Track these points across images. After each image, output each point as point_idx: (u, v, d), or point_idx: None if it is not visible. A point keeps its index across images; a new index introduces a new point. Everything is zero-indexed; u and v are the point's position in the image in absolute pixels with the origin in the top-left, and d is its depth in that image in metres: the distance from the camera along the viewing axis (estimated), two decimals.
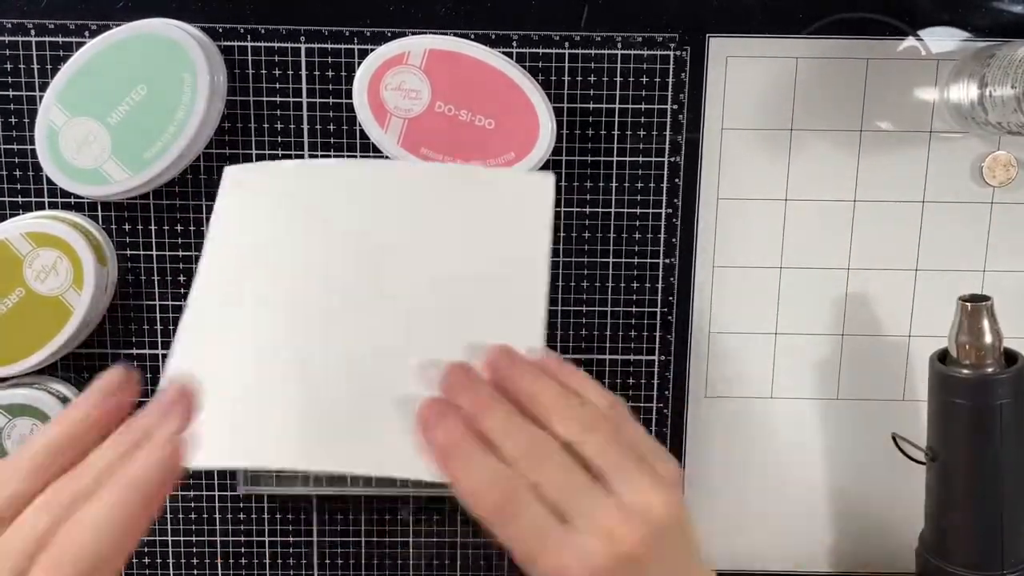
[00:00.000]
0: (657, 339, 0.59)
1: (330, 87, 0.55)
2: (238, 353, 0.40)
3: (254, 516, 0.60)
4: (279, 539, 0.60)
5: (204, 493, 0.59)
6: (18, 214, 0.56)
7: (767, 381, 0.59)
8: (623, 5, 0.55)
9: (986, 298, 0.51)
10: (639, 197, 0.57)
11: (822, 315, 0.59)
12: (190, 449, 0.36)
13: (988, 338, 0.51)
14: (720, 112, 0.56)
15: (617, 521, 0.35)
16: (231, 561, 0.60)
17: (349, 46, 0.55)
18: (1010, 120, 0.50)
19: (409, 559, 0.61)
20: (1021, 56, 0.48)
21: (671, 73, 0.56)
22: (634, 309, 0.58)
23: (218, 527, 0.60)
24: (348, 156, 0.56)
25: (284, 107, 0.56)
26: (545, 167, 0.55)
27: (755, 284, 0.58)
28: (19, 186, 0.56)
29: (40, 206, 0.56)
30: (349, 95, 0.55)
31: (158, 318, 0.58)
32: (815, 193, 0.57)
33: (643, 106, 0.56)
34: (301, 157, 0.56)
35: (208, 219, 0.56)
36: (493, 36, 0.55)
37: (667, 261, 0.58)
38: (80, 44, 0.54)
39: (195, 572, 0.60)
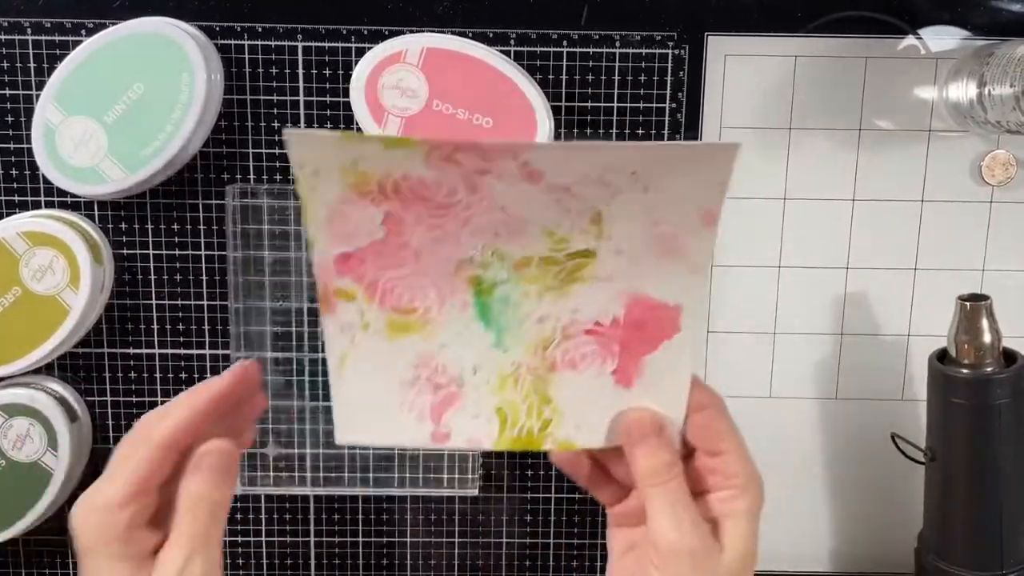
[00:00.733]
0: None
1: (327, 86, 0.55)
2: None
3: (251, 516, 0.60)
4: (276, 539, 0.60)
5: None
6: (14, 213, 0.56)
7: (766, 381, 0.59)
8: (621, 4, 0.55)
9: (985, 297, 0.51)
10: None
11: (821, 314, 0.59)
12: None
13: (987, 337, 0.51)
14: (719, 111, 0.56)
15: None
16: (229, 561, 0.60)
17: (346, 44, 0.55)
18: (1009, 119, 0.50)
19: (408, 559, 0.61)
20: (1020, 55, 0.48)
21: (670, 72, 0.56)
22: None
23: None
24: None
25: (281, 106, 0.55)
26: None
27: (754, 283, 0.58)
28: (15, 185, 0.56)
29: (36, 205, 0.56)
30: (346, 94, 0.55)
31: (155, 317, 0.57)
32: (814, 192, 0.57)
33: (641, 105, 0.56)
34: None
35: (204, 218, 0.57)
36: (491, 34, 0.55)
37: None
38: (77, 42, 0.53)
39: None
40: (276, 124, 0.56)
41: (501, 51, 0.54)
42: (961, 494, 0.52)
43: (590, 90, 0.56)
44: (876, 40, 0.55)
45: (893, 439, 0.57)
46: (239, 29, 0.55)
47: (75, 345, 0.56)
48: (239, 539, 0.60)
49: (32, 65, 0.55)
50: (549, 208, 0.37)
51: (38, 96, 0.53)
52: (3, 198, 0.56)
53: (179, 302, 0.57)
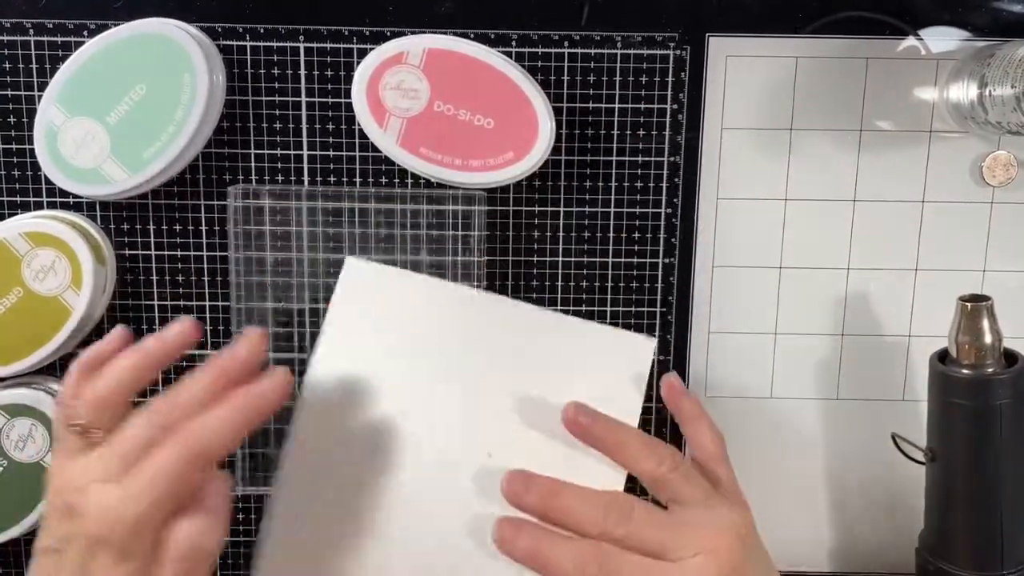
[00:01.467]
0: (656, 339, 0.58)
1: (329, 86, 0.55)
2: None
3: (254, 516, 0.60)
4: None
5: None
6: (16, 213, 0.56)
7: (767, 381, 0.59)
8: (623, 4, 0.55)
9: (986, 298, 0.51)
10: (638, 197, 0.57)
11: (822, 315, 0.59)
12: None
13: (988, 338, 0.51)
14: (720, 111, 0.56)
15: (716, 540, 0.39)
16: (230, 561, 0.60)
17: (348, 45, 0.55)
18: (1010, 120, 0.50)
19: None
20: (1021, 56, 0.48)
21: (671, 72, 0.56)
22: (633, 309, 0.58)
23: None
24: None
25: (283, 106, 0.56)
26: (544, 167, 0.55)
27: (755, 284, 0.58)
28: (18, 186, 0.56)
29: (39, 206, 0.56)
30: (348, 94, 0.55)
31: (157, 318, 0.57)
32: (815, 193, 0.57)
33: (642, 105, 0.56)
34: (300, 157, 0.56)
35: (206, 218, 0.57)
36: (492, 35, 0.55)
37: (667, 261, 0.58)
38: (79, 44, 0.53)
39: None
40: (278, 125, 0.56)
41: (502, 52, 0.54)
42: (961, 494, 0.52)
43: (591, 91, 0.56)
44: (877, 41, 0.55)
45: (894, 439, 0.57)
46: (241, 30, 0.55)
47: (77, 346, 0.56)
48: (240, 539, 0.60)
49: (34, 66, 0.55)
50: None
51: (40, 97, 0.53)
52: (5, 199, 0.56)
53: (181, 303, 0.57)
